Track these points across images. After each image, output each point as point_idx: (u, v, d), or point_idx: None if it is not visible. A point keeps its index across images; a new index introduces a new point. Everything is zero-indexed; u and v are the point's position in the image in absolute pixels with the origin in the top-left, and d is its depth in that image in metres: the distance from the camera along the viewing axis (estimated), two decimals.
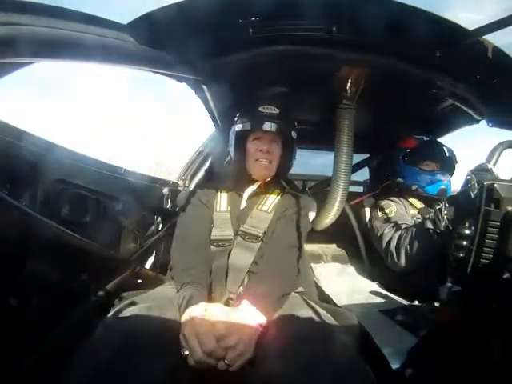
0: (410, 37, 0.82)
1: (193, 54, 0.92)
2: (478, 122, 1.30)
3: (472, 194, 0.75)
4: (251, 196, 1.13)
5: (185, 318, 0.75)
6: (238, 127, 1.15)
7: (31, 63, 0.76)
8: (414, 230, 1.40)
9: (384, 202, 1.66)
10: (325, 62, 1.07)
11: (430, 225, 1.30)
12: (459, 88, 1.02)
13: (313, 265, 1.58)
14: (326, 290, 1.51)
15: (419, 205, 1.64)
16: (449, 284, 0.81)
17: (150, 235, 1.66)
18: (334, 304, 1.32)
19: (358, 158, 1.96)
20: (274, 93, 1.34)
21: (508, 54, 0.84)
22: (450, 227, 1.13)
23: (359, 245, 1.87)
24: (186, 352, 0.68)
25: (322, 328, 0.75)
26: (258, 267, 1.00)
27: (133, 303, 0.78)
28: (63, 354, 0.82)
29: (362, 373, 0.67)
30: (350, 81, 1.11)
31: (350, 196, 1.45)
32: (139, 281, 1.54)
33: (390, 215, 1.60)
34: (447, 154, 1.60)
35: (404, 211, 1.61)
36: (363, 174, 2.18)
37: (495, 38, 0.81)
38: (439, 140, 1.70)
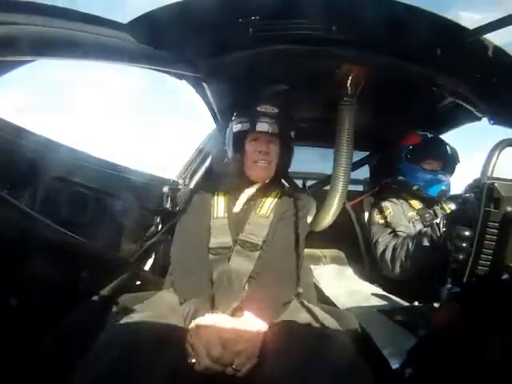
0: (410, 36, 0.81)
1: (193, 52, 0.92)
2: (479, 119, 1.29)
3: (471, 213, 0.75)
4: (249, 199, 1.11)
5: (191, 327, 0.77)
6: (236, 127, 1.13)
7: (31, 61, 0.76)
8: (410, 243, 1.39)
9: (381, 204, 1.65)
10: (325, 60, 1.07)
11: (426, 240, 1.30)
12: (460, 86, 1.01)
13: (312, 266, 1.58)
14: (326, 292, 1.51)
15: (418, 205, 1.63)
16: (449, 285, 0.81)
17: (150, 235, 1.66)
18: (334, 305, 1.32)
19: (358, 155, 1.95)
20: (275, 91, 1.34)
21: (508, 52, 0.84)
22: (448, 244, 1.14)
23: (359, 245, 1.87)
24: (193, 360, 0.70)
25: (322, 330, 0.75)
26: (258, 276, 0.98)
27: (135, 310, 0.79)
28: (63, 354, 0.82)
29: (361, 373, 0.67)
30: (350, 79, 1.10)
31: (350, 195, 1.45)
32: (138, 283, 1.54)
33: (386, 219, 1.59)
34: (450, 153, 1.59)
35: (401, 214, 1.60)
36: (363, 173, 2.17)
37: (495, 37, 0.80)
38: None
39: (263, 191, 1.13)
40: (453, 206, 1.60)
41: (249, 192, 1.11)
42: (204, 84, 1.20)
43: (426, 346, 0.89)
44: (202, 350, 0.69)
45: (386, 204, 1.63)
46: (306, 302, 0.92)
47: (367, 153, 2.07)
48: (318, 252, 2.02)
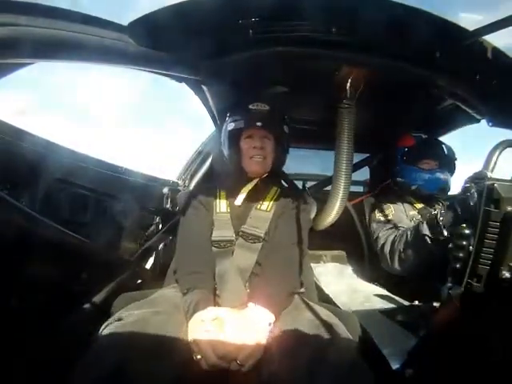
0: (409, 37, 0.82)
1: (192, 54, 0.92)
2: (478, 121, 1.29)
3: (471, 202, 0.75)
4: (249, 194, 1.13)
5: (194, 322, 0.76)
6: (230, 126, 1.16)
7: (31, 64, 0.76)
8: (409, 234, 1.39)
9: (383, 204, 1.66)
10: (325, 62, 1.07)
11: (425, 230, 1.29)
12: (459, 88, 1.02)
13: (312, 265, 1.58)
14: (326, 290, 1.51)
15: (419, 205, 1.64)
16: (449, 284, 0.82)
17: (150, 235, 1.66)
18: (334, 304, 1.32)
19: (358, 157, 1.96)
20: (274, 93, 1.34)
21: (508, 54, 0.84)
22: (446, 232, 1.14)
23: (360, 244, 1.87)
24: (199, 356, 0.69)
25: (323, 329, 0.75)
26: (262, 268, 1.00)
27: (136, 308, 0.78)
28: (63, 354, 0.82)
29: (362, 373, 0.67)
30: (349, 81, 1.11)
31: (351, 195, 1.46)
32: (139, 281, 1.54)
33: (387, 217, 1.60)
34: (446, 151, 1.60)
35: (403, 213, 1.61)
36: (363, 174, 2.18)
37: (495, 39, 0.81)
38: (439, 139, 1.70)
39: (262, 186, 1.16)
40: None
41: (248, 187, 1.14)
42: (203, 86, 1.20)
43: (425, 345, 0.89)
44: (207, 346, 0.69)
45: (387, 204, 1.64)
46: (308, 301, 0.92)
47: (367, 155, 2.07)
48: (318, 251, 2.03)
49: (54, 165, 1.09)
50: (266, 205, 1.12)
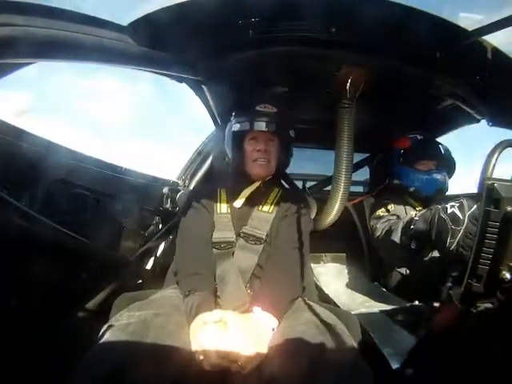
0: (409, 37, 0.82)
1: (193, 54, 0.93)
2: (478, 121, 1.30)
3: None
4: (251, 196, 1.12)
5: (197, 323, 0.76)
6: (235, 127, 1.14)
7: (31, 63, 0.76)
8: (405, 220, 1.37)
9: (383, 202, 1.66)
10: (324, 62, 1.07)
11: (421, 216, 1.28)
12: (459, 88, 1.02)
13: (312, 265, 1.58)
14: (326, 290, 1.51)
15: (418, 206, 1.63)
16: (449, 284, 0.82)
17: (150, 235, 1.66)
18: (334, 304, 1.32)
19: (358, 157, 1.96)
20: (274, 93, 1.34)
21: (507, 54, 0.84)
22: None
23: (361, 245, 1.87)
24: (201, 357, 0.69)
25: (323, 329, 0.75)
26: (264, 271, 0.99)
27: (137, 309, 0.78)
28: (63, 354, 0.82)
29: (362, 373, 0.67)
30: (349, 81, 1.11)
31: (351, 195, 1.46)
32: (139, 281, 1.54)
33: (387, 211, 1.59)
34: (443, 151, 1.59)
35: (403, 211, 1.60)
36: (363, 174, 2.18)
37: (495, 39, 0.81)
38: (438, 139, 1.70)
39: (264, 189, 1.15)
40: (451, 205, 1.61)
41: (250, 188, 1.13)
42: (203, 86, 1.20)
43: (425, 345, 0.89)
44: (210, 346, 0.69)
45: (387, 201, 1.64)
46: (309, 301, 0.92)
47: (367, 155, 2.07)
48: (318, 252, 2.03)
49: (54, 165, 1.09)
50: (268, 206, 1.11)
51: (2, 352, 0.87)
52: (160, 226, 1.72)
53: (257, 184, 1.14)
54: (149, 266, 1.69)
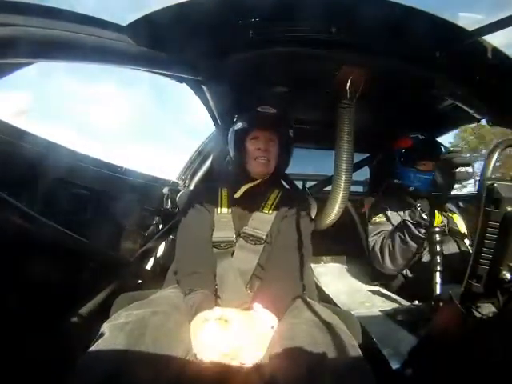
0: (409, 37, 0.82)
1: (193, 54, 0.92)
2: (478, 121, 1.29)
3: None
4: (251, 196, 1.13)
5: (197, 321, 0.76)
6: (237, 126, 1.19)
7: (31, 64, 0.76)
8: (397, 231, 1.43)
9: (381, 205, 1.66)
10: (324, 62, 1.07)
11: (411, 225, 1.36)
12: (459, 88, 1.02)
13: (312, 265, 1.58)
14: (326, 290, 1.51)
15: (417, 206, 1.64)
16: (449, 284, 0.82)
17: (150, 235, 1.66)
18: (334, 304, 1.32)
19: (358, 157, 1.96)
20: (274, 93, 1.35)
21: (507, 54, 0.84)
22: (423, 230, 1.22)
23: (360, 244, 1.87)
24: (200, 354, 0.69)
25: (323, 328, 0.75)
26: (265, 272, 0.99)
27: (136, 308, 0.78)
28: (63, 354, 0.82)
29: (362, 372, 0.67)
30: (349, 81, 1.11)
31: (351, 195, 1.46)
32: (139, 281, 1.54)
33: (382, 220, 1.62)
34: (443, 152, 1.59)
35: (400, 216, 1.61)
36: (363, 174, 2.18)
37: (495, 39, 0.81)
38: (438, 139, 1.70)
39: (264, 188, 1.17)
40: (451, 206, 1.61)
41: (249, 184, 1.15)
42: (203, 87, 1.21)
43: (425, 346, 0.89)
44: (210, 343, 0.69)
45: (385, 206, 1.64)
46: (309, 301, 0.92)
47: (367, 155, 2.07)
48: (318, 254, 2.03)
49: (54, 165, 1.09)
50: (269, 207, 1.12)
51: (2, 352, 0.87)
52: (160, 226, 1.72)
53: (256, 182, 1.16)
54: (149, 266, 1.69)
